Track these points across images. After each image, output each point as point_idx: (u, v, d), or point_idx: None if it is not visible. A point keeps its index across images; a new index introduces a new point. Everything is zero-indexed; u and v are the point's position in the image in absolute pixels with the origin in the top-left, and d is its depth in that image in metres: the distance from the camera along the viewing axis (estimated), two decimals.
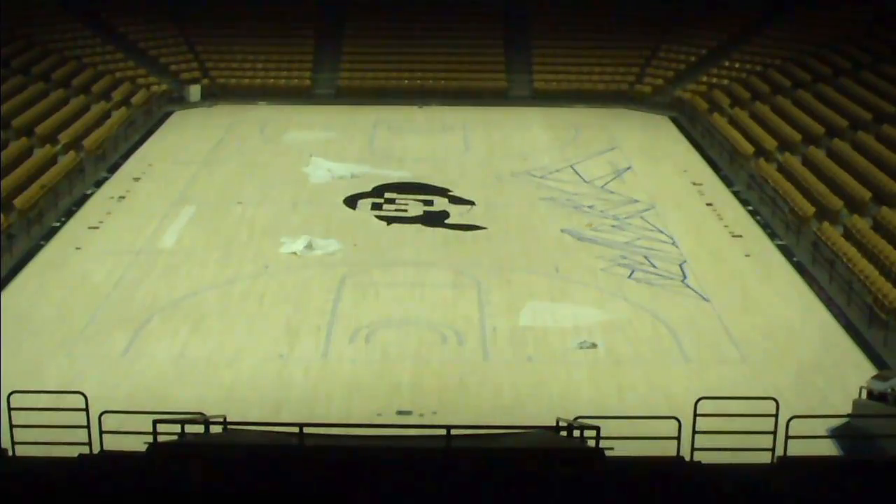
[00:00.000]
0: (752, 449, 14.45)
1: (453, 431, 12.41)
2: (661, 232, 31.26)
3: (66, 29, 47.93)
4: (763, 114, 41.23)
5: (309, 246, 29.22)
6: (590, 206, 33.41)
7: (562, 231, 31.18)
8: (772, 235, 31.28)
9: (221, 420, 15.63)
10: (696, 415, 18.15)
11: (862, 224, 29.28)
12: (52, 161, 35.05)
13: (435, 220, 32.31)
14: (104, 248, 29.40)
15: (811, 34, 46.62)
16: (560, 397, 21.44)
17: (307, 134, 41.47)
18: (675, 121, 45.57)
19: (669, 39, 50.89)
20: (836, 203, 31.29)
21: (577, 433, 14.22)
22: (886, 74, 39.69)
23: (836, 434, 19.40)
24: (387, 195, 34.53)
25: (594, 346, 23.68)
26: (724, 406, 20.10)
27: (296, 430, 12.28)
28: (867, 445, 18.14)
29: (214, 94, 47.42)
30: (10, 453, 13.14)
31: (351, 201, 33.89)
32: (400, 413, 20.69)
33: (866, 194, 31.25)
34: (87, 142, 37.72)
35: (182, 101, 47.29)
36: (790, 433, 13.27)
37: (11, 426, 13.61)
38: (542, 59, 50.67)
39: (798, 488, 11.04)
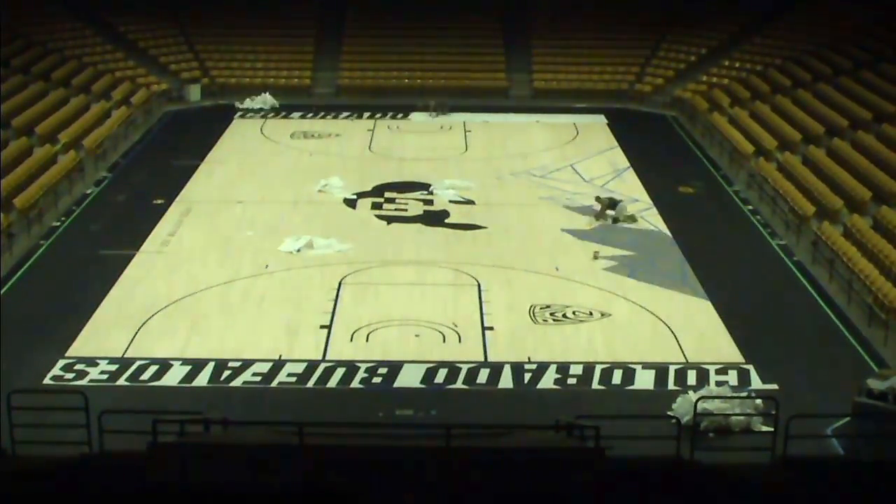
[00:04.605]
0: (752, 449, 14.48)
1: (453, 431, 12.41)
2: (661, 231, 31.25)
3: (65, 28, 47.94)
4: (763, 113, 41.24)
5: (309, 245, 29.22)
6: (590, 206, 33.40)
7: (562, 231, 31.18)
8: (772, 235, 31.29)
9: (221, 420, 15.64)
10: (696, 414, 18.18)
11: (862, 223, 29.28)
12: (52, 161, 35.06)
13: (435, 219, 32.31)
14: (105, 248, 29.39)
15: (811, 34, 46.63)
16: (560, 397, 21.44)
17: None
18: (675, 120, 45.58)
19: (669, 39, 50.91)
20: (836, 202, 31.29)
21: (577, 433, 14.22)
22: (886, 74, 39.70)
23: (836, 434, 19.42)
24: (387, 194, 34.54)
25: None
26: (724, 406, 20.19)
27: (296, 430, 12.28)
28: (867, 445, 18.15)
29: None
30: (10, 453, 13.14)
31: (351, 201, 33.89)
32: (400, 413, 20.69)
33: (866, 194, 31.25)
34: (87, 141, 37.72)
35: (182, 100, 47.37)
36: (790, 433, 13.28)
37: (11, 426, 13.61)
38: (542, 58, 50.69)
39: (798, 488, 11.04)
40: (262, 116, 45.21)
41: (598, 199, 33.17)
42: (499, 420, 19.81)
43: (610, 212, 32.14)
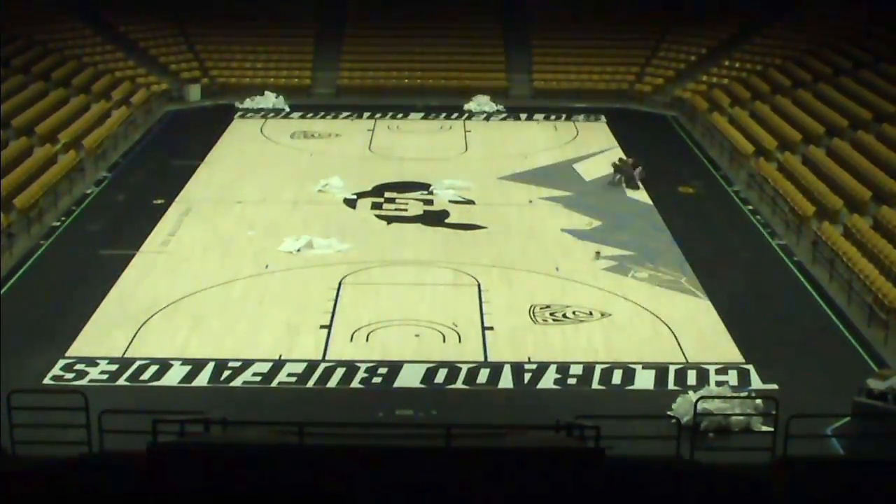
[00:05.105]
0: (752, 449, 14.46)
1: (453, 431, 12.40)
2: (662, 231, 31.25)
3: (66, 28, 47.95)
4: (763, 113, 41.24)
5: (309, 245, 29.22)
6: (589, 206, 33.41)
7: (562, 231, 31.18)
8: (772, 235, 31.29)
9: (221, 420, 15.64)
10: (696, 414, 18.20)
11: (862, 223, 29.29)
12: (52, 160, 35.06)
13: (435, 219, 32.31)
14: (105, 248, 29.40)
15: (811, 34, 46.63)
16: (560, 397, 21.44)
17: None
18: (675, 120, 45.58)
19: (669, 39, 50.91)
20: (836, 202, 31.29)
21: (577, 433, 14.21)
22: (886, 74, 39.71)
23: (836, 434, 19.42)
24: (387, 194, 34.53)
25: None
26: (724, 406, 20.19)
27: (296, 430, 12.28)
28: (867, 445, 18.15)
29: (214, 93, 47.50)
30: (10, 453, 13.13)
31: (351, 201, 33.89)
32: (400, 413, 20.69)
33: (866, 194, 31.25)
34: (87, 141, 37.73)
35: (182, 100, 47.39)
36: (790, 433, 13.28)
37: (11, 426, 13.60)
38: (542, 58, 50.70)
39: (798, 488, 11.04)
40: (263, 116, 45.23)
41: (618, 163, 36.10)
42: (499, 420, 19.81)
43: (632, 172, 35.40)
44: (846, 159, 34.28)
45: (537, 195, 34.61)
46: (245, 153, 39.65)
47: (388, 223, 31.91)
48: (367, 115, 45.41)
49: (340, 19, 52.62)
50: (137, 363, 22.55)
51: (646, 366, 22.72)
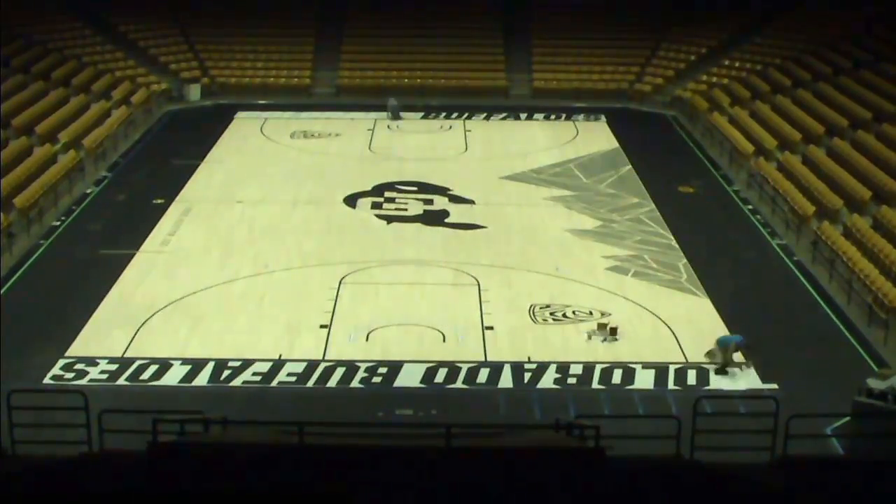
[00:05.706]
0: (752, 448, 14.43)
1: (453, 431, 12.39)
2: (662, 231, 31.25)
3: (65, 28, 47.96)
4: (763, 113, 41.23)
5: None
6: (589, 206, 33.40)
7: (562, 231, 31.17)
8: (772, 234, 31.29)
9: (221, 420, 15.64)
10: (696, 414, 18.19)
11: (862, 223, 29.29)
12: (52, 160, 35.06)
13: (435, 219, 32.30)
14: (105, 248, 29.40)
15: (811, 33, 46.63)
16: (559, 397, 21.44)
17: None
18: (675, 120, 45.58)
19: (669, 38, 50.91)
20: (836, 202, 31.29)
21: (577, 433, 14.21)
22: (886, 73, 39.70)
23: (836, 434, 19.42)
24: (387, 194, 34.53)
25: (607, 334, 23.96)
26: (724, 405, 20.20)
27: (296, 430, 12.28)
28: (867, 445, 18.14)
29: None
30: (10, 453, 13.13)
31: (351, 200, 33.89)
32: (400, 413, 20.69)
33: (866, 193, 31.25)
34: (87, 141, 37.73)
35: (182, 100, 47.38)
36: (790, 433, 13.27)
37: (11, 426, 13.59)
38: (542, 58, 50.70)
39: (798, 488, 11.03)
40: (263, 116, 45.19)
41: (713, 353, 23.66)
42: (499, 420, 19.81)
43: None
44: (846, 159, 34.28)
45: (537, 195, 34.61)
46: (245, 153, 39.65)
47: (388, 223, 31.91)
48: (367, 115, 45.39)
49: (340, 19, 52.62)
50: (137, 363, 22.56)
51: (646, 366, 22.73)
